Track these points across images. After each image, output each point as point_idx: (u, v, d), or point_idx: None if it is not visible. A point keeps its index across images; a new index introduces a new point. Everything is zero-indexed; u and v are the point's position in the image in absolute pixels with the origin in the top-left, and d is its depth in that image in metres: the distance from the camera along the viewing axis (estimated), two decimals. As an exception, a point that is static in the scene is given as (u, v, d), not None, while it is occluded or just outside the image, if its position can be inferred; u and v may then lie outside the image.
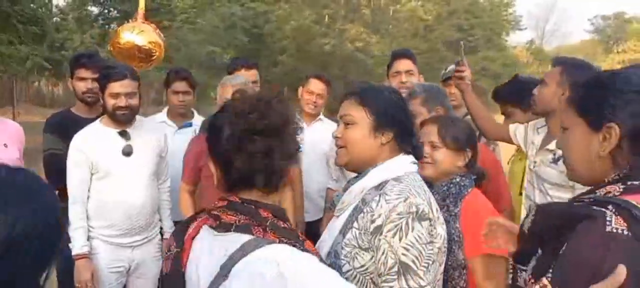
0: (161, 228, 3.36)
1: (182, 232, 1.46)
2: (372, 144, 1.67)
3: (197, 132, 3.80)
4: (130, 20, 3.70)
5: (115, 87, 2.98)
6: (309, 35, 26.45)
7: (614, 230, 1.11)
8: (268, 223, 1.31)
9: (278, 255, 1.23)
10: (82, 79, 3.40)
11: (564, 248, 1.15)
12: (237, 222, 1.32)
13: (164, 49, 3.65)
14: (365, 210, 1.59)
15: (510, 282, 1.37)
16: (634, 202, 1.16)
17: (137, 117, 3.20)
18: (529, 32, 59.84)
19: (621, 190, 1.22)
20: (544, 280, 1.15)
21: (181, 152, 3.59)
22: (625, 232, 1.11)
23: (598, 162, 1.29)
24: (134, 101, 3.06)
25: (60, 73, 21.61)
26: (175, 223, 3.39)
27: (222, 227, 1.33)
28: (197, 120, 4.00)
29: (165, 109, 4.09)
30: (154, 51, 3.56)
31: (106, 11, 28.40)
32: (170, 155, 3.40)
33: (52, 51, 19.79)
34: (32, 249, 0.93)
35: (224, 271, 1.25)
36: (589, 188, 1.32)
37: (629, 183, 1.23)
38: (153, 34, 3.59)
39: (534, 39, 58.99)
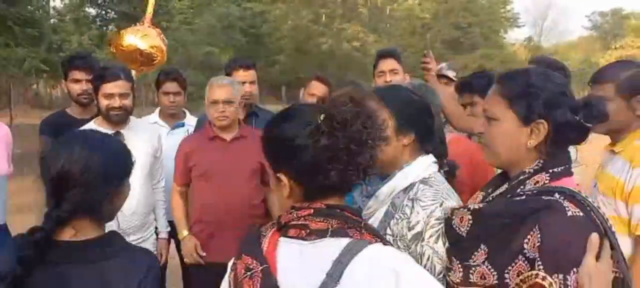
0: (156, 227, 3.38)
1: (255, 248, 1.38)
2: (396, 145, 1.66)
3: (190, 131, 3.84)
4: (137, 23, 3.74)
5: (109, 87, 3.00)
6: (307, 34, 26.52)
7: (574, 215, 1.30)
8: (362, 225, 1.30)
9: (384, 254, 1.22)
10: (77, 80, 3.40)
11: (534, 240, 1.30)
12: (330, 227, 1.27)
13: (166, 53, 3.70)
14: (397, 216, 1.60)
15: (459, 279, 1.44)
16: (571, 188, 1.36)
17: (131, 118, 3.22)
18: (528, 29, 59.94)
19: (548, 178, 1.40)
20: (541, 274, 1.27)
21: (175, 153, 3.64)
22: (582, 215, 1.30)
23: (523, 152, 1.45)
24: (128, 102, 3.08)
25: (58, 75, 21.57)
26: (170, 223, 3.45)
27: (315, 235, 1.27)
28: (189, 120, 4.03)
29: (157, 110, 4.11)
30: (156, 55, 3.60)
31: (104, 13, 28.40)
32: (164, 156, 3.43)
33: (49, 53, 19.76)
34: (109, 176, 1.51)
35: (335, 277, 1.20)
36: (517, 180, 1.45)
37: (551, 171, 1.41)
38: (156, 38, 3.63)
39: (532, 36, 59.17)
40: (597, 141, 1.98)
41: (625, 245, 1.95)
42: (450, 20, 37.01)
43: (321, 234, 1.26)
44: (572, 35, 64.80)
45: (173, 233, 3.64)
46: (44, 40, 19.39)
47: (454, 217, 1.48)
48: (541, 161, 1.43)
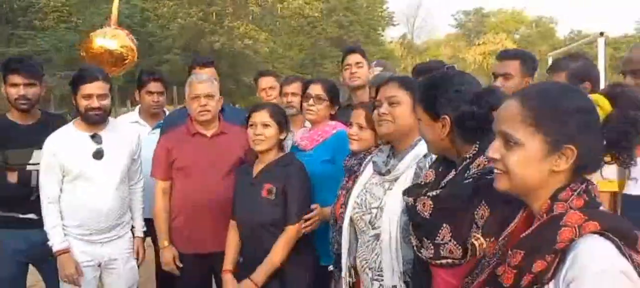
0: (133, 227, 3.43)
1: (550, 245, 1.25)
2: (413, 121, 2.00)
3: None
4: (103, 26, 3.76)
5: (88, 88, 3.06)
6: (195, 33, 26.04)
7: None
8: None
9: None
10: (14, 85, 3.25)
11: (483, 212, 1.58)
12: None
13: (136, 53, 3.77)
14: (422, 176, 1.95)
15: (431, 254, 1.74)
16: None
17: (110, 119, 3.29)
18: (402, 28, 63.40)
19: (487, 160, 1.53)
20: (477, 235, 1.59)
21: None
22: None
23: (442, 141, 1.76)
24: (106, 102, 3.15)
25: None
26: (147, 221, 3.53)
27: None
28: None
29: (137, 109, 4.15)
30: (126, 55, 3.68)
31: None
32: (144, 155, 3.47)
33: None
34: None
35: None
36: (462, 166, 1.71)
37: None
38: (126, 38, 3.73)
39: (406, 34, 62.51)
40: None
41: None
42: (333, 19, 38.27)
43: None
44: (440, 33, 69.45)
45: (148, 230, 3.72)
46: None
47: (417, 203, 1.74)
48: (475, 148, 1.69)
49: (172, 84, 25.44)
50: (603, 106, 1.32)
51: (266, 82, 4.39)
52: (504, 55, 3.19)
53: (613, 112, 1.30)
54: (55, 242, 3.10)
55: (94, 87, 3.07)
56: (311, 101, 3.13)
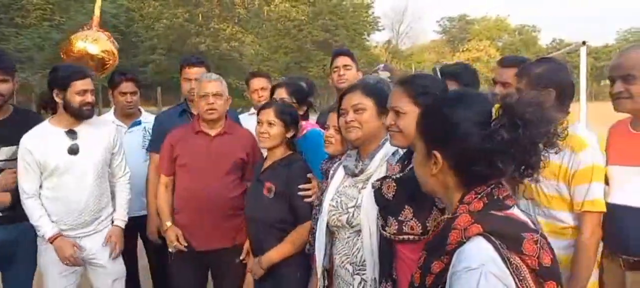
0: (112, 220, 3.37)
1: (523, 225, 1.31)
2: (379, 124, 2.15)
3: (148, 128, 3.92)
4: (84, 27, 3.71)
5: (80, 85, 3.08)
6: (181, 34, 25.92)
7: None
8: None
9: None
10: None
11: None
12: None
13: (117, 56, 3.71)
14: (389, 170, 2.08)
15: (395, 231, 1.86)
16: None
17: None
18: (387, 33, 63.78)
19: None
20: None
21: (134, 151, 3.73)
22: None
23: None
24: (94, 98, 3.19)
25: None
26: (137, 218, 3.53)
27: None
28: (146, 117, 4.08)
29: (112, 110, 4.11)
30: (107, 60, 3.63)
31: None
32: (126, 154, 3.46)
33: None
34: None
35: None
36: None
37: None
38: (107, 42, 3.66)
39: (391, 39, 62.93)
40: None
41: (567, 217, 2.36)
42: (319, 23, 38.44)
43: None
44: (425, 39, 69.93)
45: (142, 235, 3.70)
46: None
47: (382, 186, 1.88)
48: None
49: (157, 84, 25.35)
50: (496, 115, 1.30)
51: (258, 83, 4.31)
52: (506, 63, 3.08)
53: (496, 121, 1.28)
54: (46, 231, 3.09)
55: (86, 84, 3.10)
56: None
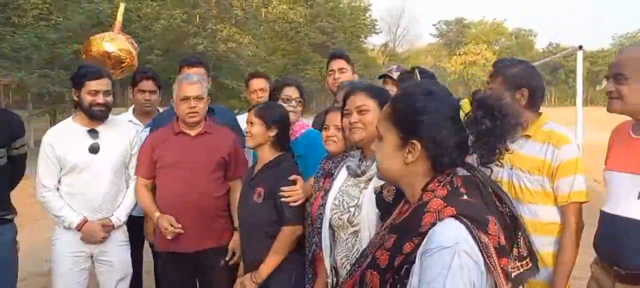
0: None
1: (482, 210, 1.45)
2: None
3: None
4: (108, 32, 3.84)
5: (93, 85, 3.16)
6: (179, 34, 25.89)
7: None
8: None
9: None
10: None
11: None
12: None
13: (136, 56, 3.82)
14: None
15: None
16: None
17: (110, 115, 3.35)
18: (384, 36, 63.84)
19: None
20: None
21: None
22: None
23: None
24: (110, 99, 3.26)
25: None
26: (138, 218, 3.56)
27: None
28: None
29: (131, 108, 4.20)
30: (124, 58, 3.74)
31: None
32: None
33: None
34: None
35: None
36: None
37: None
38: (125, 42, 3.81)
39: (388, 42, 63.02)
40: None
41: (551, 213, 2.45)
42: (316, 25, 38.47)
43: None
44: (422, 42, 70.02)
45: (137, 230, 3.70)
46: None
47: (383, 191, 1.91)
48: None
49: (154, 85, 25.28)
50: (465, 108, 1.42)
51: (257, 83, 4.37)
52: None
53: (468, 114, 1.41)
54: (72, 220, 3.18)
55: (100, 84, 3.18)
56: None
